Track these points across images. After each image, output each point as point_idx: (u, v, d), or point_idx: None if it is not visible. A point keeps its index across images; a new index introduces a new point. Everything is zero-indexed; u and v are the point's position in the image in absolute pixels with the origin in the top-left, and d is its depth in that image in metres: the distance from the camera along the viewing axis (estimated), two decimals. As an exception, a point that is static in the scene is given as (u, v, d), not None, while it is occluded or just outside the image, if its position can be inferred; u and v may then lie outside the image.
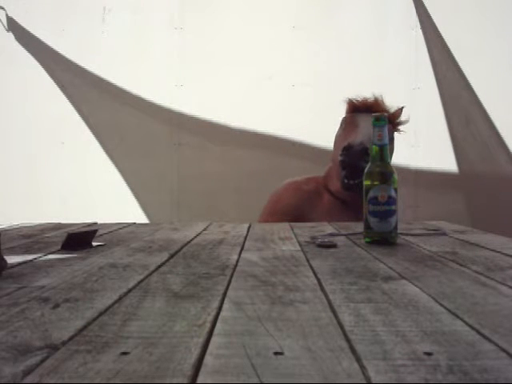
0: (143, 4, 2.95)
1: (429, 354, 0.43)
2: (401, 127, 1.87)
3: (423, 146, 2.88)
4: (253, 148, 2.86)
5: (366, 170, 1.09)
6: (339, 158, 1.74)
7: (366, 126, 1.76)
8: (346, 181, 1.73)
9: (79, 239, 1.07)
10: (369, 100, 1.83)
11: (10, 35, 2.95)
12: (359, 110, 1.85)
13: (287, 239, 1.17)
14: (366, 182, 1.08)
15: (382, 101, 1.83)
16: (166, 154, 2.93)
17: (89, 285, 0.71)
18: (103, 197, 2.89)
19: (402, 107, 1.87)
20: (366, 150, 1.70)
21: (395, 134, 1.84)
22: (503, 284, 0.69)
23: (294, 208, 1.81)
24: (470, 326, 0.50)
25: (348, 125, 1.83)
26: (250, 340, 0.47)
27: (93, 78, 2.93)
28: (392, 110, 1.83)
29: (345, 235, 1.22)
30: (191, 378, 0.38)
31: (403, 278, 0.74)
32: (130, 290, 0.67)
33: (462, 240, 1.14)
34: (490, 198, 2.82)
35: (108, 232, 1.35)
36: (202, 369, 0.40)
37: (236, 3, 2.91)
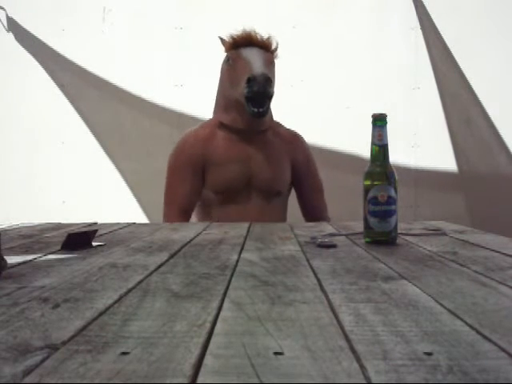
0: (143, 4, 2.95)
1: (429, 353, 0.43)
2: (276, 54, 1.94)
3: (423, 145, 2.88)
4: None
5: (366, 170, 1.09)
6: (244, 92, 1.75)
7: (257, 59, 1.80)
8: (255, 110, 1.76)
9: (79, 239, 1.06)
10: (246, 34, 1.86)
11: (10, 35, 2.94)
12: (240, 45, 1.87)
13: (287, 239, 1.17)
14: (366, 182, 1.08)
15: (256, 32, 1.87)
16: (166, 154, 2.92)
17: (89, 285, 0.71)
18: (103, 197, 2.89)
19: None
20: (269, 79, 1.74)
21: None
22: (503, 284, 0.69)
23: (198, 156, 1.88)
24: (470, 326, 0.50)
25: (236, 60, 1.84)
26: (250, 340, 0.47)
27: (93, 77, 2.93)
28: (268, 40, 1.88)
29: (345, 235, 1.22)
30: (191, 378, 0.38)
31: (403, 277, 0.74)
32: (129, 290, 0.67)
33: (462, 240, 1.14)
34: (490, 198, 2.82)
35: (108, 232, 1.35)
36: (202, 369, 0.40)
37: (236, 3, 2.91)
